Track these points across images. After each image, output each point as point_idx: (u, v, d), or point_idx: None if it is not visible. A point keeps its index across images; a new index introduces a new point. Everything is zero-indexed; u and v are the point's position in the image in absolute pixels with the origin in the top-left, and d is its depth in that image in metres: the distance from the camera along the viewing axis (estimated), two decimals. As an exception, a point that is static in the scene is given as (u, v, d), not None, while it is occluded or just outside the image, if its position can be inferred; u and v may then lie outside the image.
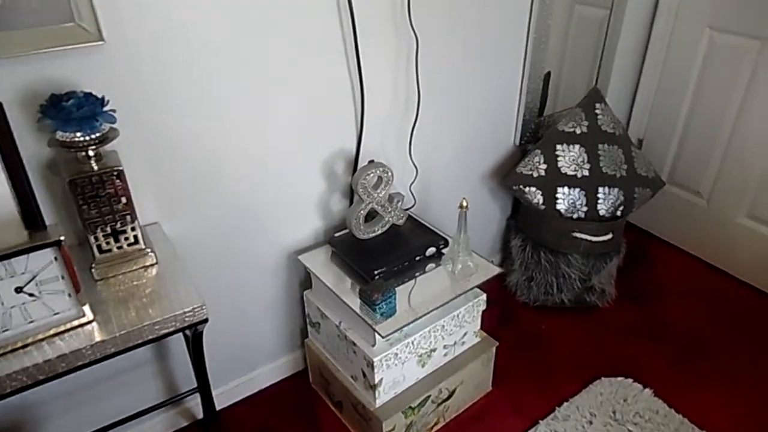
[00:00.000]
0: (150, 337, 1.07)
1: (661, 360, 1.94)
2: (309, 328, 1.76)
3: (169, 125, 1.30)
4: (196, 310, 1.10)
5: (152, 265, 1.22)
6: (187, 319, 1.10)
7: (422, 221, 1.71)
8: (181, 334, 1.28)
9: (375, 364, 1.44)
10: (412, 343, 1.51)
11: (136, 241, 1.19)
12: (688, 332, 2.06)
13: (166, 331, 1.08)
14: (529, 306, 2.15)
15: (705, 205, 2.35)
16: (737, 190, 2.22)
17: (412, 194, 1.84)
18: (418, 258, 1.57)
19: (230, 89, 1.35)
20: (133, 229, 1.18)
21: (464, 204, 1.47)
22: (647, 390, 1.80)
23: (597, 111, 1.98)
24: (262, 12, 1.32)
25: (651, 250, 2.50)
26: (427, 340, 1.55)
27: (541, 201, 1.92)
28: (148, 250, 1.21)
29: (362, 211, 1.55)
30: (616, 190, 1.93)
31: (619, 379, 1.84)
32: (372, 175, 1.51)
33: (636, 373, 1.86)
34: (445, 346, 1.62)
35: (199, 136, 1.35)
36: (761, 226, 2.19)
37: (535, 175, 1.92)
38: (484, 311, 1.68)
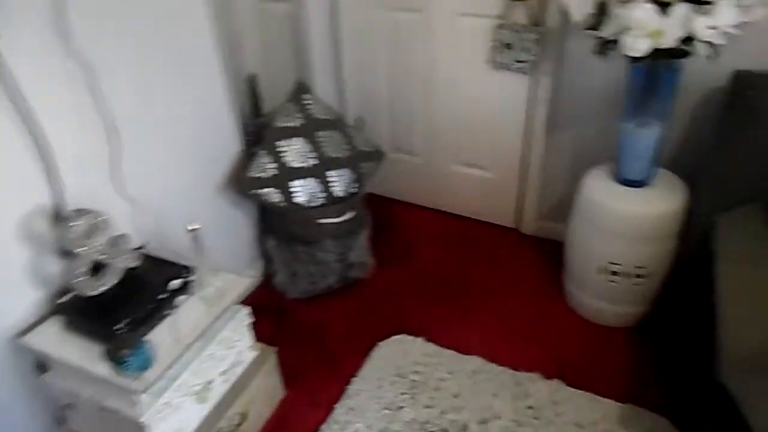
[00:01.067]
0: None
1: (424, 308, 2.15)
2: (63, 413, 1.52)
3: None
4: None
5: None
6: None
7: (161, 256, 1.60)
8: None
9: (145, 424, 1.31)
10: (183, 384, 1.41)
11: None
12: (440, 275, 2.32)
13: None
14: (301, 300, 2.19)
15: (422, 162, 2.65)
16: (443, 144, 2.55)
17: (142, 230, 1.70)
18: (163, 296, 1.46)
19: None
20: None
21: (192, 227, 1.41)
22: (419, 339, 1.99)
23: (306, 102, 2.06)
24: None
25: (393, 212, 2.74)
26: (198, 376, 1.46)
27: (279, 199, 1.95)
28: None
29: (82, 267, 1.38)
30: (344, 170, 2.05)
31: (394, 338, 2.00)
32: (79, 225, 1.34)
33: (407, 327, 2.04)
34: (222, 373, 1.56)
35: None
36: (470, 168, 2.55)
37: (266, 175, 1.93)
38: (253, 323, 1.66)
